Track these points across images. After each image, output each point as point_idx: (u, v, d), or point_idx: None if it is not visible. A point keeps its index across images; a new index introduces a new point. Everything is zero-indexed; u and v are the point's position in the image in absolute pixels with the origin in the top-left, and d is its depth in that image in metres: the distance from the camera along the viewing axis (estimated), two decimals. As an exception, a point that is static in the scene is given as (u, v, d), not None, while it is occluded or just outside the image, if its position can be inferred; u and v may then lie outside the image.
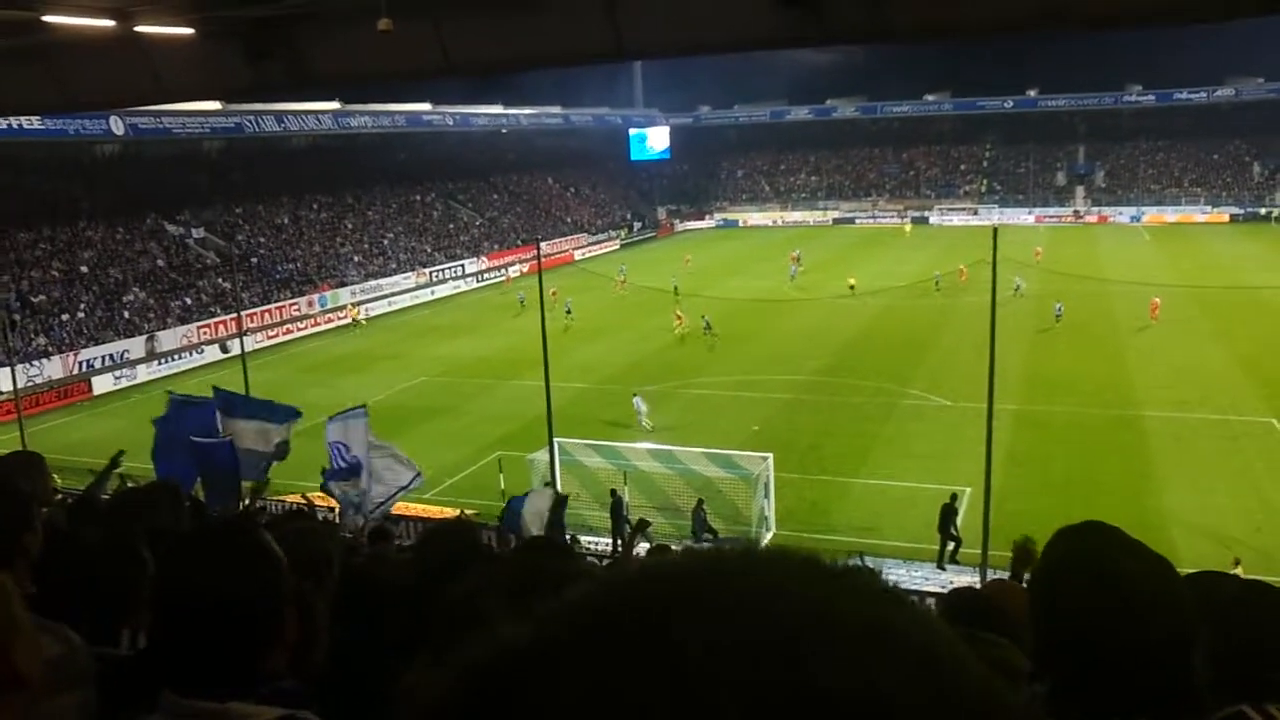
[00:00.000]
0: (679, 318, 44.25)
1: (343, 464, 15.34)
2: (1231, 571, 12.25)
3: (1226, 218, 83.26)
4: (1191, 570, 2.18)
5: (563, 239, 78.16)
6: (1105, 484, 24.79)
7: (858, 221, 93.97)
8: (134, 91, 19.17)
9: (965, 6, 11.61)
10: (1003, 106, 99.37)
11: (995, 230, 22.90)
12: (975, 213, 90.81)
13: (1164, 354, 37.55)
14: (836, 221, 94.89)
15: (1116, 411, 30.92)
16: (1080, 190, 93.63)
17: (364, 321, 51.37)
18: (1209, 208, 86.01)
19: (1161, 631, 1.62)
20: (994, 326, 21.03)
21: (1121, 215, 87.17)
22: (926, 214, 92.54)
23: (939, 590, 18.96)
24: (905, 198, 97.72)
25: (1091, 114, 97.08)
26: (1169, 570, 1.72)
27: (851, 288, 48.70)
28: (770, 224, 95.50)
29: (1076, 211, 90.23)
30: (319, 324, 52.83)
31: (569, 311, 47.30)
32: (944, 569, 20.99)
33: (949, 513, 21.68)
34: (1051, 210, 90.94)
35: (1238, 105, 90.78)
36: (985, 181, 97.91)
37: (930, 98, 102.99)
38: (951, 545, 21.53)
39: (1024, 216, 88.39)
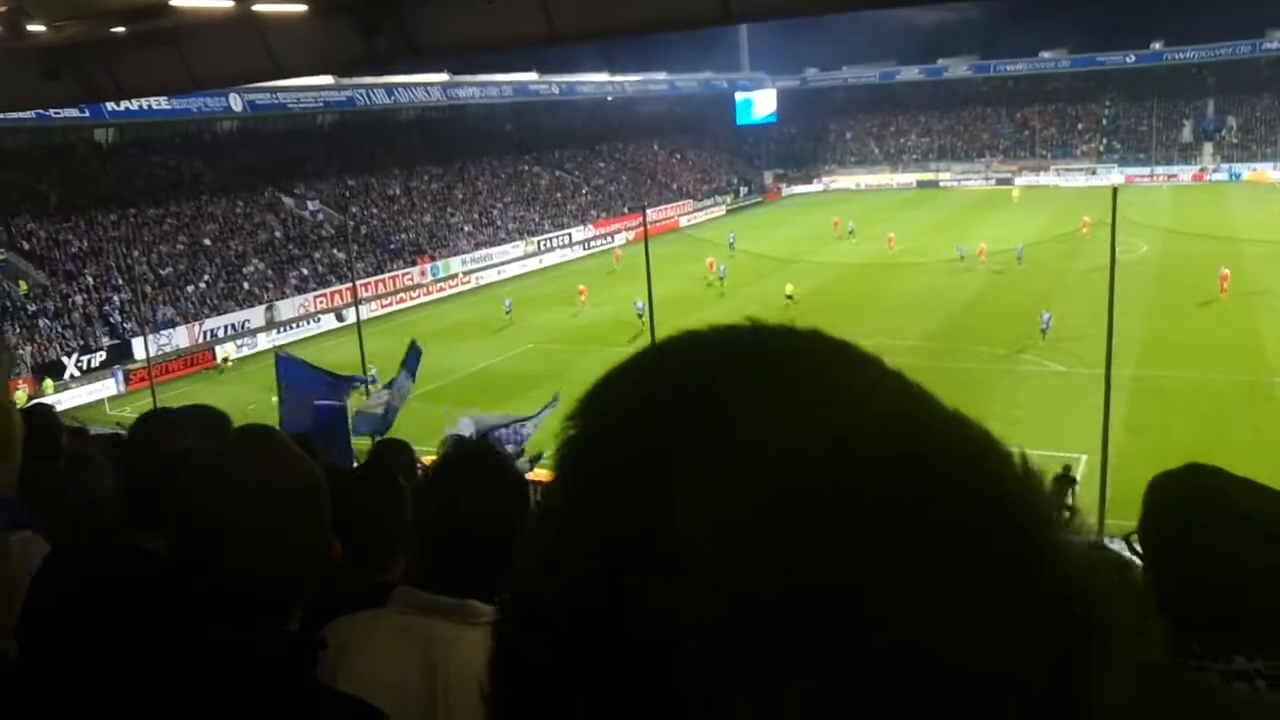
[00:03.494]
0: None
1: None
2: None
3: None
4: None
5: (668, 205, 78.03)
6: (1230, 452, 23.83)
7: (941, 185, 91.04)
8: (252, 69, 19.79)
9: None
10: (1124, 61, 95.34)
11: (1115, 190, 22.13)
12: (1094, 173, 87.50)
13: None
14: (921, 185, 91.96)
15: (1244, 377, 29.67)
16: (1209, 147, 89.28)
17: (230, 364, 42.14)
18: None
19: None
20: (1113, 289, 20.38)
21: (1269, 171, 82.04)
22: (1012, 176, 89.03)
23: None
24: (1020, 158, 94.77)
25: (1223, 65, 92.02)
26: None
27: (789, 297, 42.15)
28: (855, 188, 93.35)
29: (1205, 168, 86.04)
30: (431, 293, 53.91)
31: (723, 278, 47.79)
32: (1058, 538, 20.54)
33: (1062, 482, 21.17)
34: (1180, 168, 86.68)
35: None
36: (1104, 140, 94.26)
37: (1046, 55, 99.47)
38: (1065, 514, 21.02)
39: (1144, 177, 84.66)
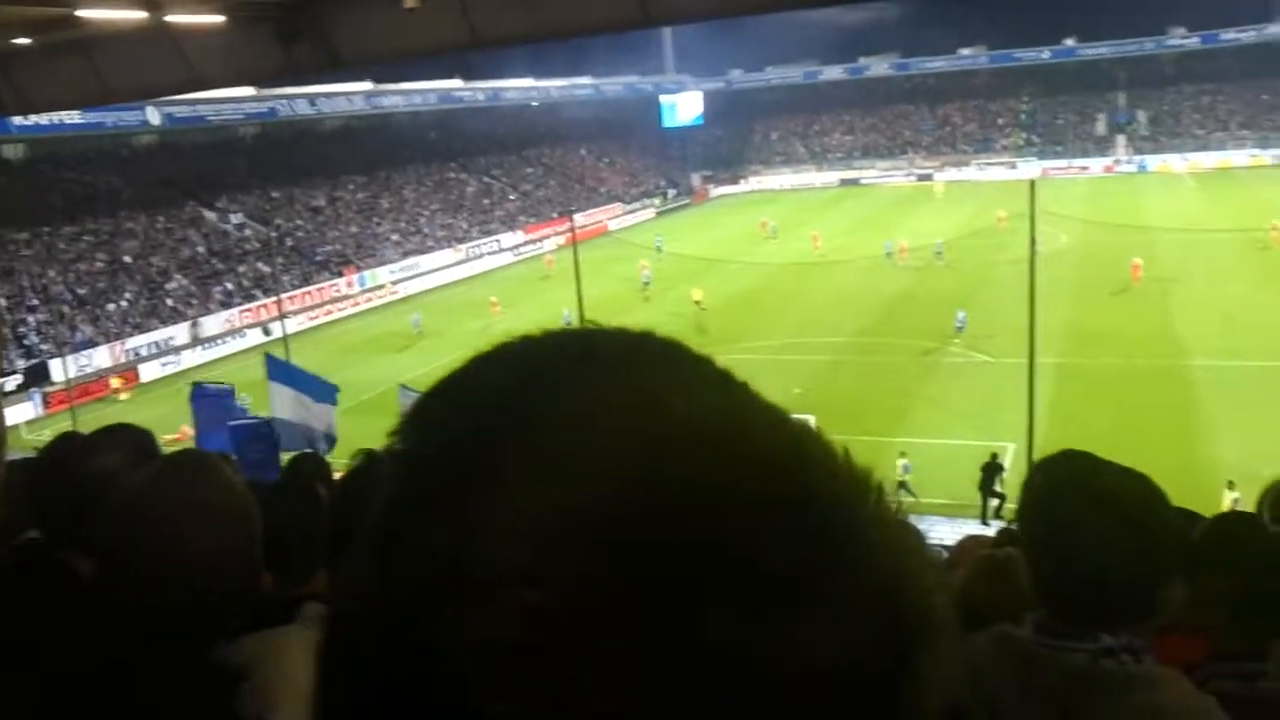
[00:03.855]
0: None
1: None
2: (1226, 493, 12.12)
3: (1276, 159, 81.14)
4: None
5: (597, 209, 78.06)
6: (1152, 435, 24.52)
7: (862, 182, 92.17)
8: (168, 80, 19.42)
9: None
10: (1039, 57, 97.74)
11: (1033, 183, 22.64)
12: (1014, 166, 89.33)
13: (1211, 303, 36.97)
14: (843, 183, 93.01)
15: (1163, 362, 30.53)
16: (1121, 139, 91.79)
17: (126, 396, 39.66)
18: (1259, 150, 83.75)
19: (1154, 542, 1.72)
20: (1034, 280, 20.86)
21: (1170, 162, 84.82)
22: (933, 172, 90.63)
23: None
24: (941, 154, 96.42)
25: (1132, 60, 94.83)
26: (1152, 484, 1.81)
27: (698, 303, 41.76)
28: (778, 188, 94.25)
29: (1118, 160, 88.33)
30: (359, 304, 53.28)
31: (647, 284, 47.56)
32: (988, 524, 20.95)
33: (991, 469, 21.67)
34: (1092, 161, 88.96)
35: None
36: (1023, 135, 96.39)
37: (965, 52, 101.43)
38: (995, 502, 21.53)
39: (1061, 169, 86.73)
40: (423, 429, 0.52)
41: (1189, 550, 2.53)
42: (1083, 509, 1.73)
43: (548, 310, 41.90)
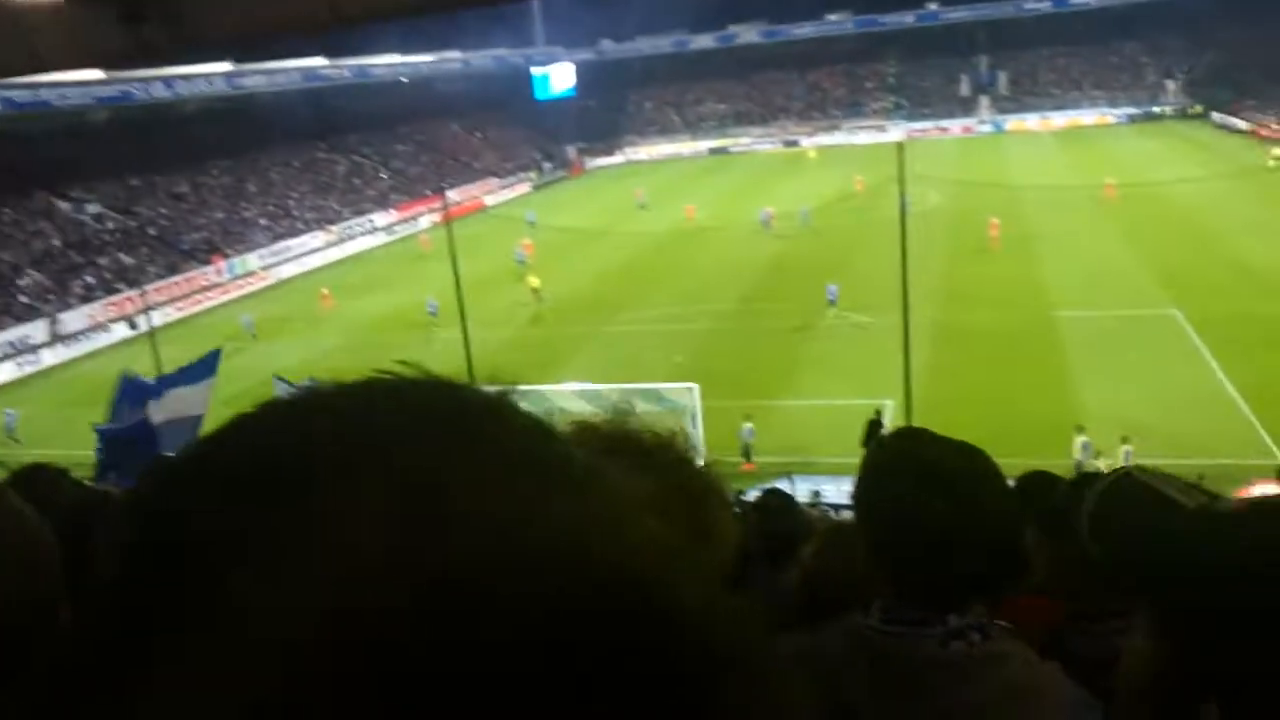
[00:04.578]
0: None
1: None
2: (1121, 449, 12.80)
3: (1122, 118, 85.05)
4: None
5: (472, 185, 77.04)
6: (1025, 387, 25.44)
7: (732, 151, 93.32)
8: (8, 64, 18.36)
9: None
10: (903, 22, 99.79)
11: (900, 146, 23.08)
12: (883, 130, 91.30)
13: (1076, 257, 38.43)
14: (713, 152, 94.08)
15: (1025, 315, 31.64)
16: (984, 100, 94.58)
17: None
18: (1109, 109, 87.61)
19: (978, 516, 1.70)
20: (905, 241, 21.30)
21: (1026, 121, 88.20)
22: (800, 138, 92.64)
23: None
24: (813, 120, 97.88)
25: (992, 24, 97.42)
26: (985, 459, 1.80)
27: (535, 291, 40.04)
28: (647, 158, 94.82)
29: (980, 120, 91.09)
30: (229, 291, 51.56)
31: (522, 263, 46.29)
32: (873, 482, 21.43)
33: (874, 426, 22.12)
34: (962, 122, 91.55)
35: (1133, 6, 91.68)
36: (891, 98, 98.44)
37: (832, 17, 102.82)
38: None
39: (933, 131, 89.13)
40: (149, 522, 0.43)
41: (1056, 515, 2.53)
42: (914, 488, 1.71)
43: (423, 290, 41.27)
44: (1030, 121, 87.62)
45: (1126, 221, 43.25)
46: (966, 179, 52.67)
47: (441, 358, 32.73)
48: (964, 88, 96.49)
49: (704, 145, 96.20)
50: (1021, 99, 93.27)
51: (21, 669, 1.51)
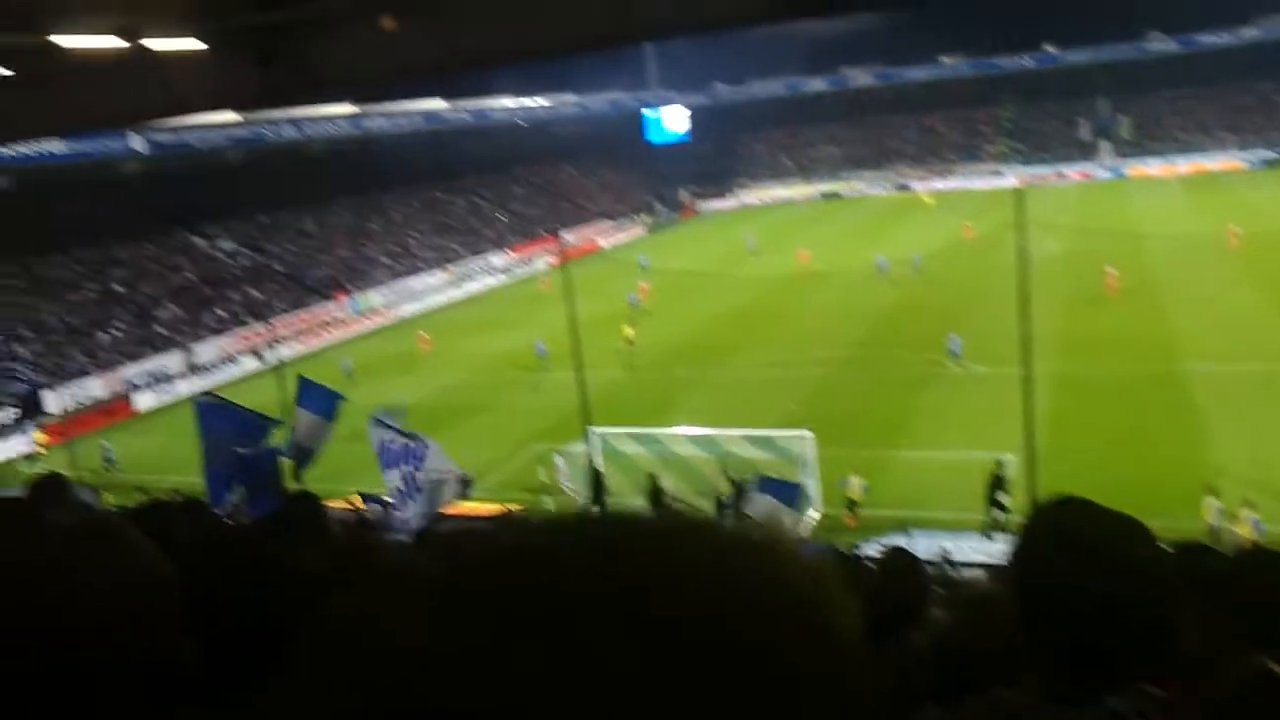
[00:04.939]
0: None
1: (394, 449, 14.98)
2: (1245, 514, 12.06)
3: (1255, 163, 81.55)
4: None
5: (586, 227, 78.08)
6: (1154, 441, 24.43)
7: (844, 195, 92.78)
8: (149, 107, 19.30)
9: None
10: (1020, 65, 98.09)
11: (1020, 192, 22.59)
12: (1000, 174, 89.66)
13: (1198, 307, 36.94)
14: (825, 196, 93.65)
15: (1161, 368, 30.45)
16: (1105, 145, 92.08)
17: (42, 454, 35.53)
18: (1240, 154, 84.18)
19: (1141, 593, 1.62)
20: (1024, 290, 20.74)
21: (1149, 167, 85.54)
22: (908, 182, 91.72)
23: (988, 561, 18.81)
24: (927, 164, 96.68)
25: (1112, 66, 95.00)
26: (1144, 535, 1.71)
27: (629, 341, 39.01)
28: (759, 203, 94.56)
29: (1104, 166, 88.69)
30: (351, 327, 53.12)
31: (634, 305, 46.68)
32: (992, 538, 20.75)
33: (996, 481, 21.45)
34: (1084, 166, 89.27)
35: (1265, 45, 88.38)
36: (1007, 142, 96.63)
37: (946, 60, 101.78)
38: (1000, 514, 21.28)
39: (1051, 177, 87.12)
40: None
41: (1217, 590, 2.40)
42: (1075, 562, 1.64)
43: (538, 331, 41.81)
44: (1153, 167, 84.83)
45: (1253, 270, 41.48)
46: (1085, 226, 51.28)
47: (551, 399, 33.12)
48: (1084, 132, 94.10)
49: (816, 189, 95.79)
50: (1145, 143, 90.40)
51: (138, 697, 1.52)
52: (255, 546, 3.45)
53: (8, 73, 16.14)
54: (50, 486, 5.25)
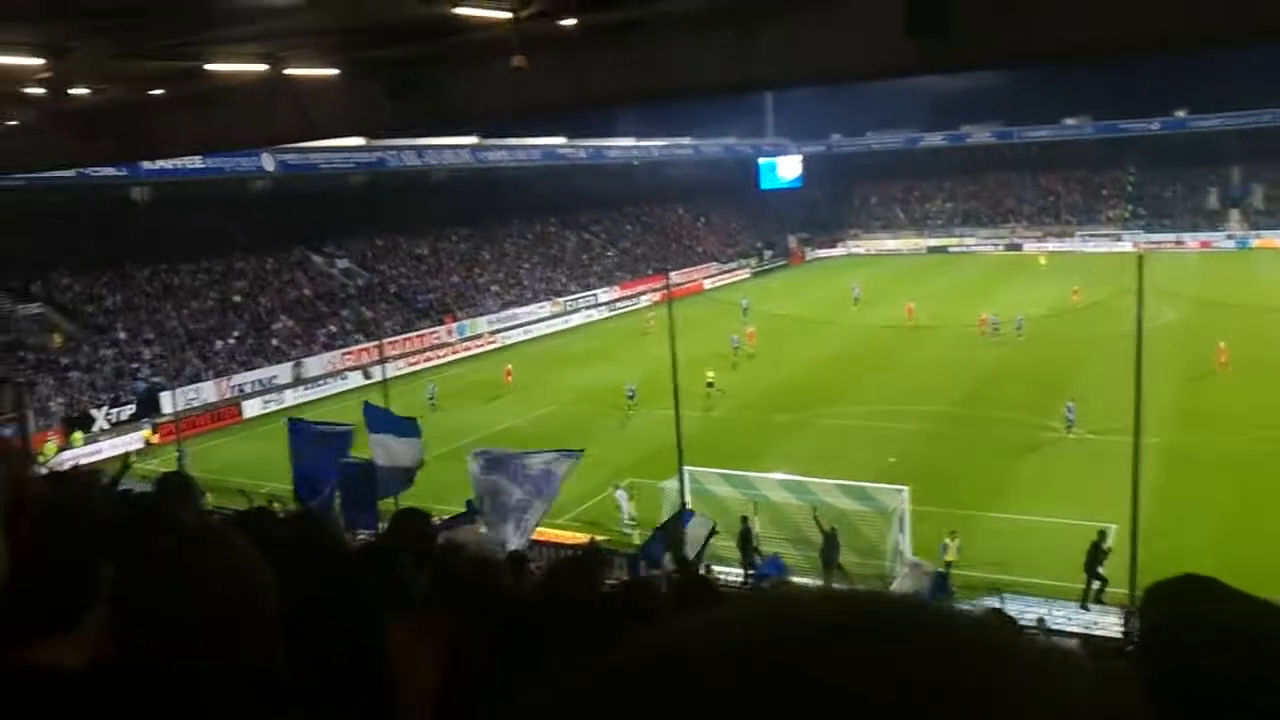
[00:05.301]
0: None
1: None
2: None
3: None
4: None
5: (693, 268, 78.48)
6: (1267, 524, 23.50)
7: (951, 251, 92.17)
8: (285, 130, 20.18)
9: (1104, 24, 11.29)
10: (1148, 129, 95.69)
11: (1140, 257, 22.11)
12: (1118, 239, 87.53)
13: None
14: (931, 250, 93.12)
15: (1267, 444, 29.28)
16: (1235, 214, 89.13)
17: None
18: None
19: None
20: (1140, 356, 20.24)
21: (1265, 238, 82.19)
22: (1023, 242, 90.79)
23: (1082, 631, 18.29)
24: (1044, 224, 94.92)
25: (1247, 133, 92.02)
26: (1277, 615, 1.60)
27: (710, 384, 38.99)
28: (864, 252, 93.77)
29: (1229, 235, 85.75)
30: (458, 351, 54.23)
31: (737, 348, 46.85)
32: (1088, 609, 20.20)
33: (1097, 550, 20.89)
34: (1202, 235, 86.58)
35: None
36: (1129, 207, 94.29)
37: (1069, 121, 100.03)
38: (1097, 584, 20.73)
39: (1169, 244, 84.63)
40: None
41: None
42: (1212, 645, 1.53)
43: (637, 367, 42.12)
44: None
45: None
46: (1203, 296, 49.64)
47: (641, 434, 33.33)
48: (1212, 200, 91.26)
49: (924, 243, 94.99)
50: (1278, 214, 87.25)
51: (235, 698, 1.54)
52: (359, 566, 3.62)
53: (160, 92, 17.09)
54: (174, 485, 5.57)
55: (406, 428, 16.71)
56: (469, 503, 15.52)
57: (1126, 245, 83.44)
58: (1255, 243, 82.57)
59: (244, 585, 1.60)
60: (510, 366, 46.19)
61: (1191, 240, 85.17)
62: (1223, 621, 1.59)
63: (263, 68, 15.65)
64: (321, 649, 2.13)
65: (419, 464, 16.43)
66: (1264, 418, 32.12)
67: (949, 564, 21.86)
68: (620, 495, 26.59)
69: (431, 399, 40.46)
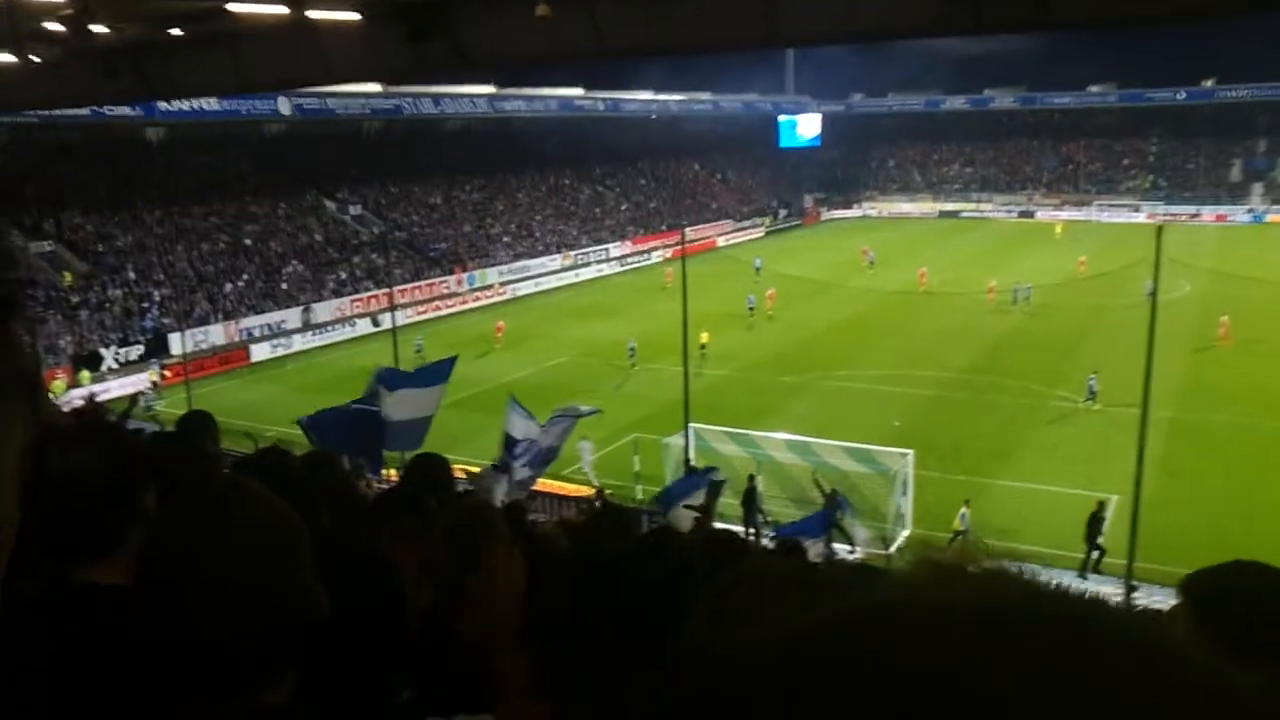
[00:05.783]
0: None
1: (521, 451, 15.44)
2: None
3: None
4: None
5: (707, 225, 78.13)
6: (1267, 501, 23.52)
7: (962, 215, 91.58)
8: (304, 73, 20.09)
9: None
10: (1173, 98, 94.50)
11: (1160, 229, 21.97)
12: (1137, 209, 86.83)
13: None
14: (942, 214, 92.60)
15: (1268, 421, 29.25)
16: (1258, 187, 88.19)
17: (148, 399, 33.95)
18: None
19: None
20: (1154, 329, 20.15)
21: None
22: (1034, 209, 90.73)
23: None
24: (1063, 192, 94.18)
25: (1275, 105, 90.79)
26: None
27: (703, 347, 37.59)
28: (876, 214, 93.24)
29: (1246, 209, 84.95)
30: (467, 302, 54.23)
31: (752, 309, 46.47)
32: (1086, 578, 20.29)
33: (1096, 520, 21.00)
34: (1223, 208, 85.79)
35: None
36: (1150, 177, 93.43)
37: (1094, 89, 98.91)
38: (1096, 554, 20.85)
39: (1183, 216, 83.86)
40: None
41: None
42: (1267, 628, 1.50)
43: (648, 322, 42.09)
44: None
45: None
46: (1215, 269, 49.30)
47: (647, 391, 33.36)
48: (1235, 172, 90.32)
49: (937, 207, 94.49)
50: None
51: (272, 658, 1.49)
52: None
53: (179, 33, 16.98)
54: (198, 422, 5.60)
55: (431, 376, 16.41)
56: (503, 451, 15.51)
57: (1140, 216, 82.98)
58: (1270, 218, 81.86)
59: (281, 534, 1.58)
60: (502, 323, 44.92)
61: (1208, 214, 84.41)
62: (1268, 600, 1.60)
63: (284, 10, 15.53)
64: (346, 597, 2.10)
65: (434, 411, 16.33)
66: (1254, 393, 32.07)
67: (957, 532, 21.91)
68: (584, 447, 25.65)
69: (419, 351, 40.26)
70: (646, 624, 1.96)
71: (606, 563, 2.20)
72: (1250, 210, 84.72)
